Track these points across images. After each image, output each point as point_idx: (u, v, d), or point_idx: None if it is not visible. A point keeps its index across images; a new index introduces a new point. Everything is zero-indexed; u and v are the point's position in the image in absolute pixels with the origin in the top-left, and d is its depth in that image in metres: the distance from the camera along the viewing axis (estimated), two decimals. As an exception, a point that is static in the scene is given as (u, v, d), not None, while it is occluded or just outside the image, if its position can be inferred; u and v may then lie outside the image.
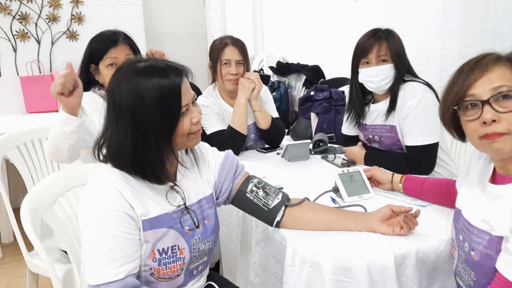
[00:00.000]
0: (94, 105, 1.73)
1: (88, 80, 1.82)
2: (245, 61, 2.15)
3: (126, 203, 1.07)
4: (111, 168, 1.11)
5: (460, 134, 1.12)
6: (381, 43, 1.77)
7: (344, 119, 2.06)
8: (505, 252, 0.96)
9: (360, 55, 1.82)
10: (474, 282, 1.07)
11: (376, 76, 1.78)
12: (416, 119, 1.75)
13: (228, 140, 2.05)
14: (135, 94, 1.06)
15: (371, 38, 1.79)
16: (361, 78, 1.84)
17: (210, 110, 2.15)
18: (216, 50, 2.14)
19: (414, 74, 1.86)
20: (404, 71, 1.82)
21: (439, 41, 2.59)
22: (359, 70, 1.83)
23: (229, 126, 2.09)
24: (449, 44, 2.53)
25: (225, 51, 2.12)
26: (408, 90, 1.78)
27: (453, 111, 1.06)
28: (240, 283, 1.65)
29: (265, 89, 2.32)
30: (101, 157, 1.14)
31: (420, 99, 1.74)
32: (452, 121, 1.09)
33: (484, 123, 1.00)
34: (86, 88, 1.81)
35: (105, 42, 1.79)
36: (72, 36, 3.59)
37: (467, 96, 1.03)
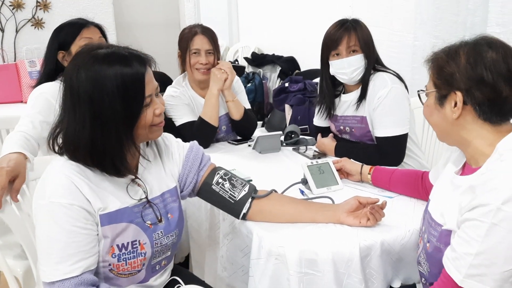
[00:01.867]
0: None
1: (56, 67, 1.76)
2: (215, 50, 2.10)
3: (82, 197, 1.02)
4: (67, 161, 1.06)
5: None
6: (350, 34, 1.76)
7: (316, 111, 2.05)
8: (450, 248, 0.96)
9: (330, 47, 1.80)
10: (429, 273, 1.08)
11: (348, 67, 1.77)
12: (385, 110, 1.74)
13: (198, 131, 2.01)
14: (94, 82, 1.01)
15: (339, 30, 1.77)
16: (332, 71, 1.83)
17: (180, 100, 2.10)
18: (185, 39, 2.08)
19: (382, 65, 1.86)
20: (373, 61, 1.81)
21: (412, 33, 2.60)
22: (330, 62, 1.82)
23: (200, 118, 2.04)
24: (421, 35, 2.54)
25: (194, 40, 2.06)
26: (378, 81, 1.78)
27: None
28: (208, 277, 1.63)
29: (237, 79, 2.28)
30: (57, 149, 1.08)
31: (390, 90, 1.74)
32: None
33: None
34: (53, 77, 1.76)
35: (75, 24, 1.75)
36: (38, 24, 3.47)
37: None
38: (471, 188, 0.95)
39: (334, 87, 1.92)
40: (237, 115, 2.12)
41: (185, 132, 2.02)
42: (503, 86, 0.96)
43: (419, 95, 1.14)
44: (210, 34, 2.10)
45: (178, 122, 2.07)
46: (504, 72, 0.96)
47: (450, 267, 0.94)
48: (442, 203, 1.07)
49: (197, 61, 2.06)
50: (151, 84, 1.07)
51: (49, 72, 1.77)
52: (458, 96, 0.99)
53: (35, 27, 3.47)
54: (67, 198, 1.00)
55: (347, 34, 1.75)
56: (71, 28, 1.75)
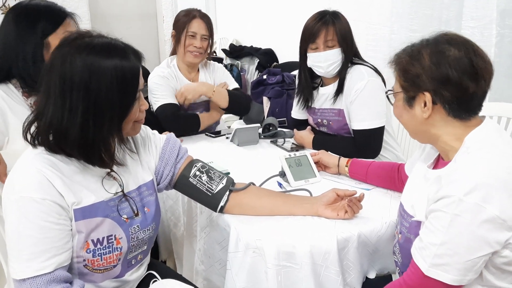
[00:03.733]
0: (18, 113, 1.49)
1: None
2: (210, 37, 2.15)
3: (55, 191, 0.99)
4: (39, 153, 1.02)
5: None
6: (328, 27, 1.75)
7: (294, 103, 2.05)
8: (418, 238, 0.98)
9: (308, 40, 1.79)
10: (401, 263, 1.10)
11: (325, 61, 1.77)
12: (362, 103, 1.75)
13: (184, 122, 2.08)
14: (92, 72, 0.98)
15: (318, 23, 1.77)
16: (309, 63, 1.82)
17: (167, 81, 2.12)
18: (183, 21, 2.13)
19: (361, 58, 1.86)
20: (351, 55, 1.81)
21: (388, 26, 2.63)
22: (308, 54, 1.82)
23: (196, 115, 2.10)
24: (398, 29, 2.57)
25: (192, 23, 2.11)
26: (355, 74, 1.78)
27: None
28: (186, 271, 1.62)
29: (219, 66, 2.33)
30: (29, 138, 1.03)
31: (366, 83, 1.75)
32: None
33: None
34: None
35: (58, 12, 1.55)
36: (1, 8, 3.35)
37: None
38: (437, 180, 0.97)
39: (312, 79, 1.93)
40: (224, 104, 2.15)
41: (165, 112, 2.04)
42: (468, 82, 0.97)
43: (387, 96, 1.15)
44: (207, 20, 2.16)
45: (160, 102, 2.07)
46: (468, 68, 0.97)
47: (417, 256, 0.95)
48: (413, 196, 1.09)
49: (191, 44, 2.11)
50: (141, 79, 1.08)
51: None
52: (427, 96, 1.00)
53: (6, 16, 3.35)
54: (39, 192, 0.97)
55: (325, 28, 1.75)
56: (55, 15, 1.53)
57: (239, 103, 2.17)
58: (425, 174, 1.09)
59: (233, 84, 2.29)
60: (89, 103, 0.98)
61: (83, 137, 1.00)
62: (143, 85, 1.09)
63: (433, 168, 1.10)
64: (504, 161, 0.93)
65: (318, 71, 1.82)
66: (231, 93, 2.18)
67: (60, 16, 1.54)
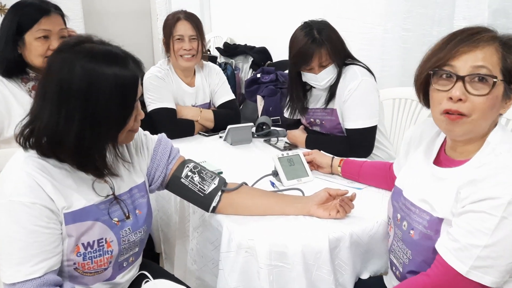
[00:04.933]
0: (19, 99, 1.55)
1: (14, 58, 1.53)
2: (199, 36, 2.09)
3: (45, 195, 0.98)
4: (29, 157, 1.01)
5: (426, 100, 1.08)
6: (321, 50, 1.72)
7: (285, 109, 2.04)
8: (447, 237, 0.97)
9: (302, 62, 1.76)
10: (410, 260, 1.08)
11: (321, 80, 1.78)
12: (355, 103, 1.76)
13: (179, 126, 2.08)
14: (91, 80, 0.96)
15: (309, 45, 1.71)
16: (304, 79, 1.83)
17: (163, 83, 2.09)
18: (169, 25, 2.08)
19: (353, 58, 1.86)
20: (344, 61, 1.81)
21: (382, 25, 2.63)
22: (303, 72, 1.81)
23: (191, 121, 2.11)
24: (391, 28, 2.56)
25: (177, 26, 2.06)
26: (349, 74, 1.79)
27: (427, 75, 1.02)
28: (178, 270, 1.61)
29: (218, 71, 2.30)
30: (22, 141, 1.02)
31: (360, 83, 1.75)
32: (423, 85, 1.06)
33: (450, 98, 0.97)
34: (11, 72, 1.56)
35: (36, 8, 1.56)
36: (0, 10, 3.32)
37: (447, 66, 0.98)
38: (472, 182, 0.95)
39: (304, 95, 1.92)
40: (210, 125, 2.16)
41: (160, 117, 2.03)
42: None
43: (483, 78, 0.95)
44: (193, 20, 2.10)
45: (156, 104, 2.05)
46: None
47: (452, 258, 0.94)
48: (422, 190, 1.07)
49: (180, 47, 2.06)
50: (139, 88, 1.06)
51: (6, 62, 1.53)
52: None
53: (-2, 13, 3.33)
54: (29, 196, 0.96)
55: (318, 51, 1.72)
56: (32, 11, 1.54)
57: (226, 122, 2.08)
58: (431, 171, 1.08)
59: (227, 95, 2.26)
60: (86, 112, 0.97)
61: (78, 145, 0.98)
62: (141, 93, 1.08)
63: (440, 165, 1.08)
64: None
65: (315, 85, 1.83)
66: (217, 115, 2.17)
67: (36, 14, 1.54)
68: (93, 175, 1.06)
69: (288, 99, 1.97)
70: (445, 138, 1.12)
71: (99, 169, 1.05)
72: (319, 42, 1.72)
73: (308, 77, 1.81)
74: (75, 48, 1.00)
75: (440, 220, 1.01)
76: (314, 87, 1.88)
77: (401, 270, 1.12)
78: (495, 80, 0.95)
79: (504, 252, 0.89)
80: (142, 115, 1.10)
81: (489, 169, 0.94)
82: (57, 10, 1.62)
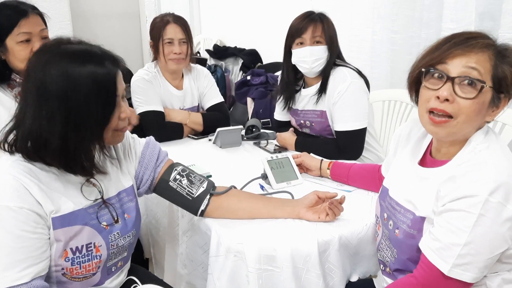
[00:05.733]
0: (6, 104, 1.51)
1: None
2: (188, 39, 2.09)
3: (32, 199, 0.97)
4: (15, 161, 0.99)
5: (418, 98, 1.09)
6: (316, 24, 1.76)
7: (277, 104, 2.05)
8: (430, 237, 0.98)
9: (294, 35, 1.79)
10: (396, 259, 1.10)
11: (310, 56, 1.77)
12: (345, 105, 1.76)
13: (169, 129, 2.07)
14: (67, 80, 0.95)
15: (306, 19, 1.78)
16: (294, 59, 1.82)
17: (151, 86, 2.08)
18: (157, 28, 2.06)
19: (343, 60, 1.87)
20: (335, 55, 1.82)
21: (370, 27, 2.64)
22: (293, 51, 1.81)
23: (180, 124, 2.09)
24: (380, 30, 2.57)
25: (167, 29, 2.04)
26: (338, 76, 1.79)
27: (419, 73, 1.04)
28: (168, 275, 1.60)
29: (206, 73, 2.29)
30: (6, 147, 1.01)
31: (349, 85, 1.75)
32: (415, 82, 1.07)
33: (438, 97, 0.98)
34: None
35: (13, 11, 1.51)
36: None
37: (440, 64, 0.99)
38: (451, 179, 0.96)
39: (295, 81, 1.93)
40: (199, 128, 2.15)
41: (147, 120, 2.01)
42: None
43: (473, 82, 0.96)
44: (182, 23, 2.09)
45: (144, 107, 2.04)
46: None
47: (435, 257, 0.95)
48: (410, 192, 1.08)
49: (171, 51, 2.05)
50: (120, 85, 1.04)
51: None
52: (505, 101, 1.00)
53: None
54: (16, 201, 0.94)
55: (313, 24, 1.76)
56: (9, 15, 1.48)
57: (215, 125, 2.07)
58: (416, 171, 1.09)
59: (216, 98, 2.25)
60: (66, 112, 0.96)
61: (63, 147, 0.97)
62: (123, 90, 1.06)
63: (424, 166, 1.10)
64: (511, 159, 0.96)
65: (303, 66, 1.81)
66: (206, 118, 2.16)
67: (14, 17, 1.49)
68: (82, 176, 1.05)
69: (279, 85, 1.98)
70: (431, 140, 1.13)
71: (87, 169, 1.03)
72: (316, 18, 1.77)
73: (297, 54, 1.79)
74: (51, 49, 1.00)
75: (423, 219, 1.02)
76: (302, 77, 1.87)
77: (388, 268, 1.13)
78: (483, 84, 0.96)
79: (483, 248, 0.91)
80: (125, 114, 1.07)
81: (468, 166, 0.96)
82: (35, 10, 1.57)
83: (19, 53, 1.51)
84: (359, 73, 1.83)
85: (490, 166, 0.93)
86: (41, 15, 1.58)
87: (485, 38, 1.00)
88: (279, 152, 1.84)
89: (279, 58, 1.93)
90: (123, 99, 1.07)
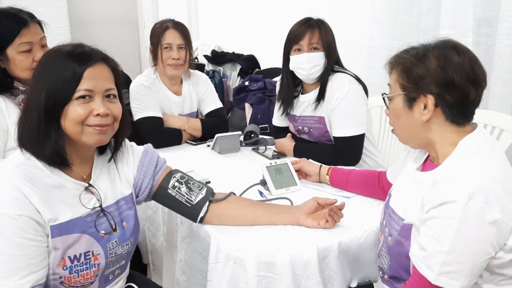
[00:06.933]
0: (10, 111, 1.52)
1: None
2: (187, 45, 2.09)
3: (32, 207, 0.96)
4: (16, 166, 1.00)
5: None
6: (313, 31, 1.77)
7: (275, 109, 2.05)
8: (417, 246, 0.98)
9: (292, 41, 1.80)
10: (389, 266, 1.10)
11: (307, 62, 1.77)
12: (343, 111, 1.76)
13: (169, 136, 2.07)
14: (35, 74, 1.05)
15: (303, 26, 1.79)
16: (292, 65, 1.83)
17: (150, 92, 2.08)
18: (157, 34, 2.08)
19: (342, 66, 1.88)
20: (333, 62, 1.83)
21: (368, 33, 2.65)
22: (291, 57, 1.82)
23: (179, 130, 2.09)
24: (377, 36, 2.58)
25: (165, 35, 2.06)
26: (336, 82, 1.79)
27: None
28: (167, 282, 1.59)
29: (205, 79, 2.29)
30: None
31: (347, 91, 1.76)
32: None
33: None
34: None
35: (14, 21, 1.50)
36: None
37: None
38: (434, 184, 0.97)
39: (293, 87, 1.93)
40: (198, 134, 2.15)
41: (146, 126, 2.01)
42: (470, 88, 0.99)
43: (384, 99, 1.13)
44: (181, 29, 2.10)
45: (143, 113, 2.04)
46: (471, 75, 1.00)
47: (422, 266, 0.95)
48: (404, 199, 1.09)
49: (169, 56, 2.05)
50: (94, 80, 1.02)
51: None
52: (430, 99, 1.01)
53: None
54: (15, 208, 0.94)
55: (311, 30, 1.77)
56: (9, 25, 1.48)
57: (214, 131, 2.05)
58: (413, 177, 1.10)
59: (214, 104, 2.26)
60: (26, 101, 1.05)
61: (26, 134, 1.03)
62: (102, 90, 1.04)
63: (422, 170, 1.10)
64: (500, 165, 0.95)
65: (300, 73, 1.82)
66: (205, 123, 2.17)
67: (15, 27, 1.49)
68: (58, 166, 1.04)
69: (278, 94, 1.98)
70: None
71: (58, 153, 1.02)
72: (313, 25, 1.78)
73: (295, 60, 1.80)
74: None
75: (410, 226, 1.02)
76: (300, 82, 1.87)
77: (386, 275, 1.14)
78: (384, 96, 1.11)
79: (467, 255, 0.90)
80: (100, 111, 1.02)
81: (452, 171, 0.97)
82: (33, 18, 1.56)
83: (20, 63, 1.51)
84: (357, 79, 1.83)
85: (471, 171, 0.93)
86: (39, 23, 1.58)
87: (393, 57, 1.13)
88: (278, 158, 1.84)
89: (277, 63, 1.94)
90: (110, 99, 1.06)
